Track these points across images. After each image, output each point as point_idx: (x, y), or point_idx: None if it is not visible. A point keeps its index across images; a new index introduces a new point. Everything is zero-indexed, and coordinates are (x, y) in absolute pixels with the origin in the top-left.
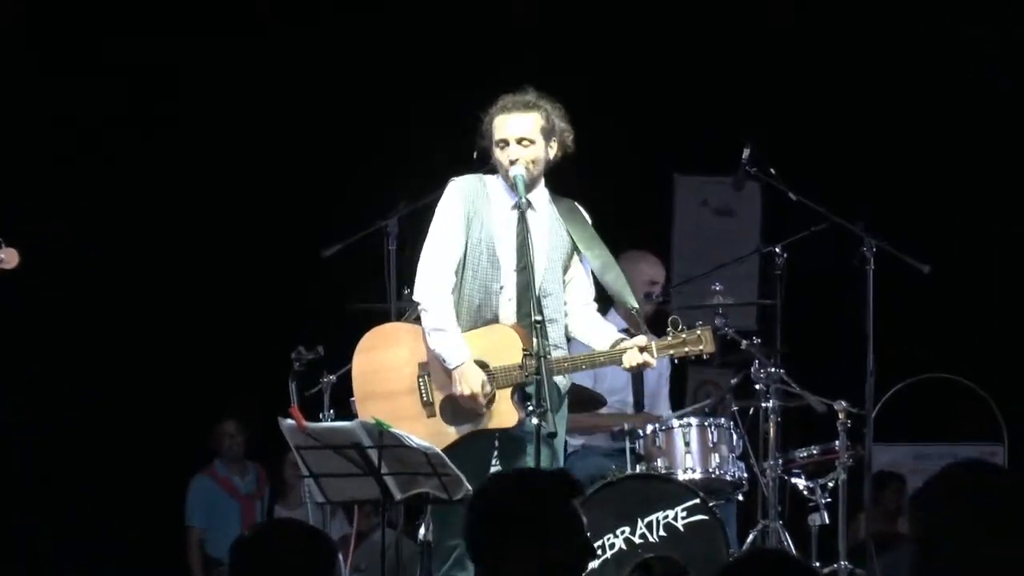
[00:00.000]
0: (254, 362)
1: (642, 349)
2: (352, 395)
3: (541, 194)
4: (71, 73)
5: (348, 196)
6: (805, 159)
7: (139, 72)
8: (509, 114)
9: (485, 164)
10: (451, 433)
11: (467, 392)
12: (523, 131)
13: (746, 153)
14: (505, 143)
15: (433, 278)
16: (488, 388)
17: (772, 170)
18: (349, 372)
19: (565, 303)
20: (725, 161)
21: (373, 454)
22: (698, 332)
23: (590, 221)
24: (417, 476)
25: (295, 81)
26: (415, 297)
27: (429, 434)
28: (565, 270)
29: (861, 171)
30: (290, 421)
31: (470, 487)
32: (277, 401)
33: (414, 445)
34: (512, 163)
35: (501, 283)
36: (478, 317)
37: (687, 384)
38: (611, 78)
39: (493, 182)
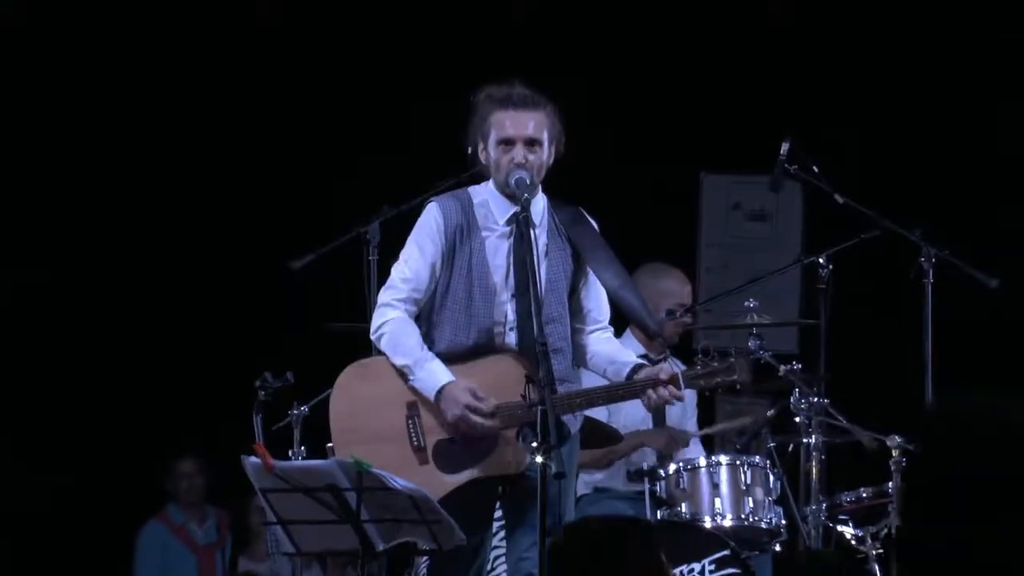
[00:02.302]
0: (214, 391)
1: (667, 381)
2: (329, 439)
3: (539, 204)
4: None
5: (322, 199)
6: (852, 155)
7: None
8: (516, 111)
9: (474, 167)
10: (447, 482)
11: (458, 411)
12: (532, 131)
13: (784, 148)
14: (510, 143)
15: (389, 311)
16: (487, 399)
17: (815, 168)
18: (323, 403)
19: (573, 329)
20: (760, 157)
21: (351, 497)
22: (731, 361)
23: (598, 229)
24: (402, 523)
25: (270, 75)
26: (372, 336)
27: (421, 484)
28: (571, 291)
29: (918, 169)
30: (255, 459)
31: (463, 536)
32: (240, 436)
33: (399, 488)
34: (518, 166)
35: (495, 317)
36: (472, 354)
37: (715, 416)
38: (621, 69)
39: (481, 194)
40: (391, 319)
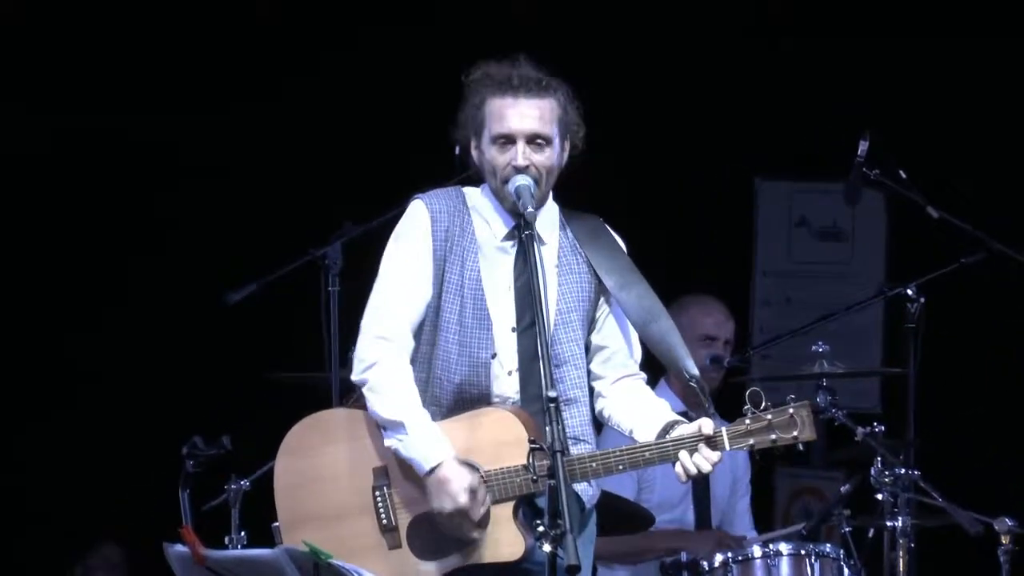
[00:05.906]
0: (130, 461)
1: (708, 440)
2: (274, 518)
3: (549, 215)
4: None
5: (268, 214)
6: (951, 158)
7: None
8: (516, 98)
9: (467, 168)
10: (425, 571)
11: (448, 507)
12: (538, 125)
13: (863, 147)
14: (508, 141)
15: (381, 348)
16: (483, 493)
17: (902, 173)
18: (269, 475)
19: (592, 376)
20: (831, 160)
21: None
22: (790, 411)
23: (626, 248)
24: None
25: (241, 71)
26: (354, 377)
27: (393, 574)
28: (589, 326)
29: None
30: (181, 548)
31: None
32: (163, 518)
33: None
34: (519, 170)
35: (493, 350)
36: (459, 401)
37: (775, 494)
38: (655, 50)
39: (477, 197)
40: (383, 359)
